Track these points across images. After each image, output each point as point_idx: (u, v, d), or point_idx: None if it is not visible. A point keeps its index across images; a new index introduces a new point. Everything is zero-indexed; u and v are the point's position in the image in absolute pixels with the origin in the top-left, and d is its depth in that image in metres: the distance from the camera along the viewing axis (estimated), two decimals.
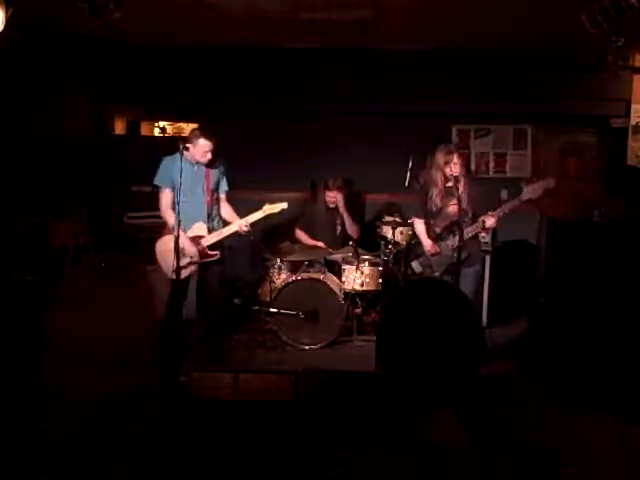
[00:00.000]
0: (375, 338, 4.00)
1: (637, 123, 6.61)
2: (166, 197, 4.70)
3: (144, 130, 7.82)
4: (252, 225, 4.75)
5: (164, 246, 4.67)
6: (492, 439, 2.59)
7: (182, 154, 4.42)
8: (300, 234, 6.04)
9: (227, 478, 2.99)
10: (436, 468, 1.21)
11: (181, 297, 4.69)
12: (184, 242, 4.53)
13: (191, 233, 4.65)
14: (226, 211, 4.90)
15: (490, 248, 5.82)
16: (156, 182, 4.73)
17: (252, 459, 3.17)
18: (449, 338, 3.69)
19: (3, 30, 4.01)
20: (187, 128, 7.93)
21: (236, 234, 4.77)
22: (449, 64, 6.59)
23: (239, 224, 4.70)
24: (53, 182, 5.77)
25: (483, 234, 5.02)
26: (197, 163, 4.69)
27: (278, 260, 5.63)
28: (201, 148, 4.60)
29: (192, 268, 4.67)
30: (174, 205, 4.52)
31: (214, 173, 4.79)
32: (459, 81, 6.67)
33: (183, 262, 4.52)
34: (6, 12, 3.99)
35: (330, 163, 6.27)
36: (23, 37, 5.09)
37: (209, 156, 4.64)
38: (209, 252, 4.69)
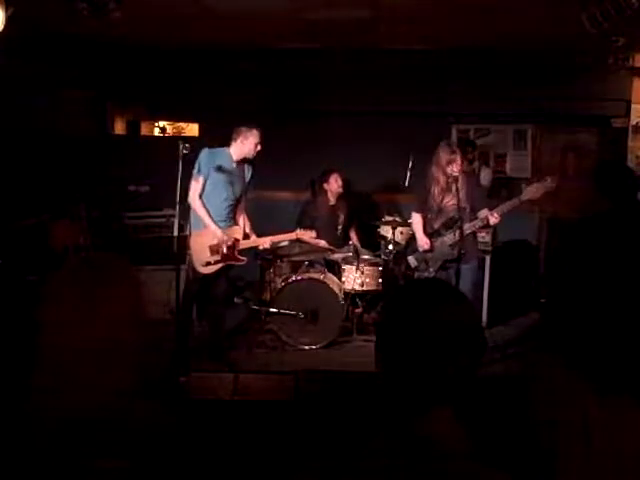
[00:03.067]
0: (375, 338, 4.01)
1: (637, 123, 6.61)
2: (198, 187, 4.56)
3: (144, 130, 7.82)
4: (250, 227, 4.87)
5: (199, 238, 4.63)
6: (494, 440, 2.59)
7: (182, 153, 4.41)
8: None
9: (227, 478, 2.99)
10: (436, 468, 1.20)
11: (193, 294, 4.75)
12: (221, 238, 4.55)
13: (229, 233, 4.66)
14: (243, 218, 4.87)
15: (490, 248, 5.83)
16: (195, 170, 4.58)
17: (252, 459, 3.17)
18: (449, 337, 3.68)
19: (3, 30, 4.01)
20: (187, 128, 7.94)
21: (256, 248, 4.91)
22: (449, 64, 6.59)
23: (263, 240, 4.78)
24: (53, 182, 5.77)
25: (482, 234, 5.02)
26: (239, 162, 4.65)
27: (278, 260, 5.63)
28: (254, 140, 4.56)
29: (219, 266, 4.67)
30: (202, 195, 4.56)
31: (247, 176, 4.76)
32: (459, 81, 6.67)
33: (212, 258, 4.60)
34: (6, 12, 3.99)
35: (330, 163, 6.28)
36: (23, 37, 5.09)
37: (259, 148, 4.61)
38: (238, 257, 4.71)
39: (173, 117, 7.66)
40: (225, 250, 4.64)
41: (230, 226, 4.70)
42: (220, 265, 4.65)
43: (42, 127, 5.90)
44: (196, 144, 4.74)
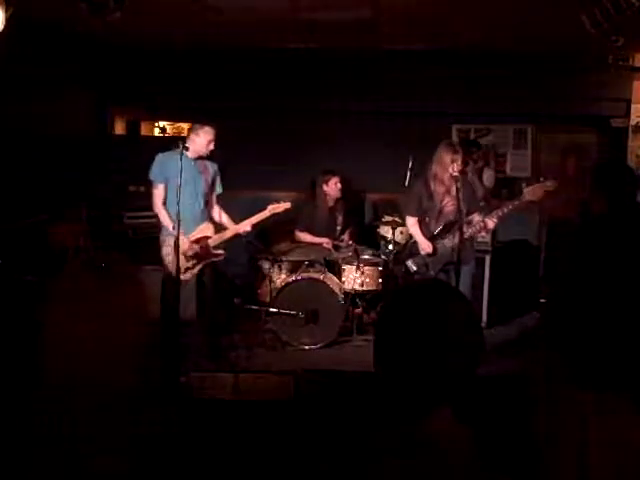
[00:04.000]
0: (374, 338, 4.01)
1: (637, 123, 6.61)
2: (160, 193, 4.64)
3: (144, 130, 7.81)
4: (253, 225, 4.77)
5: (167, 248, 4.62)
6: (495, 439, 2.58)
7: (182, 153, 4.41)
8: (302, 235, 6.02)
9: (227, 478, 2.99)
10: (436, 468, 1.20)
11: (177, 297, 4.71)
12: (182, 244, 4.53)
13: (197, 234, 4.64)
14: (218, 213, 4.89)
15: (490, 248, 5.82)
16: (151, 177, 4.66)
17: (252, 459, 3.17)
18: (448, 338, 3.68)
19: (3, 30, 4.01)
20: (187, 128, 7.94)
21: (237, 236, 4.79)
22: (449, 64, 6.59)
23: (242, 225, 4.71)
24: (53, 182, 5.76)
25: (483, 234, 5.00)
26: (197, 159, 4.65)
27: (278, 260, 5.63)
28: (206, 137, 4.57)
29: (199, 267, 4.66)
30: (166, 202, 4.57)
31: (210, 172, 4.77)
32: (459, 81, 6.67)
33: (189, 263, 4.56)
34: (6, 12, 3.99)
35: (330, 163, 6.27)
36: (23, 37, 5.09)
37: (212, 146, 4.62)
38: (214, 252, 4.69)
39: (173, 117, 7.66)
40: (199, 251, 4.62)
41: (202, 223, 4.69)
42: (199, 267, 4.64)
43: (42, 127, 5.89)
44: None
